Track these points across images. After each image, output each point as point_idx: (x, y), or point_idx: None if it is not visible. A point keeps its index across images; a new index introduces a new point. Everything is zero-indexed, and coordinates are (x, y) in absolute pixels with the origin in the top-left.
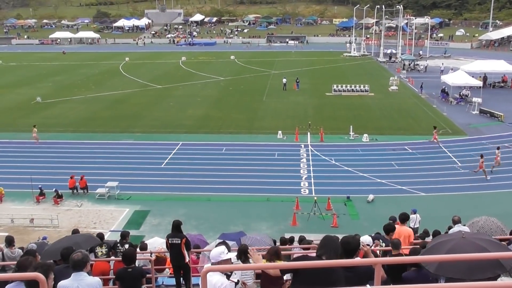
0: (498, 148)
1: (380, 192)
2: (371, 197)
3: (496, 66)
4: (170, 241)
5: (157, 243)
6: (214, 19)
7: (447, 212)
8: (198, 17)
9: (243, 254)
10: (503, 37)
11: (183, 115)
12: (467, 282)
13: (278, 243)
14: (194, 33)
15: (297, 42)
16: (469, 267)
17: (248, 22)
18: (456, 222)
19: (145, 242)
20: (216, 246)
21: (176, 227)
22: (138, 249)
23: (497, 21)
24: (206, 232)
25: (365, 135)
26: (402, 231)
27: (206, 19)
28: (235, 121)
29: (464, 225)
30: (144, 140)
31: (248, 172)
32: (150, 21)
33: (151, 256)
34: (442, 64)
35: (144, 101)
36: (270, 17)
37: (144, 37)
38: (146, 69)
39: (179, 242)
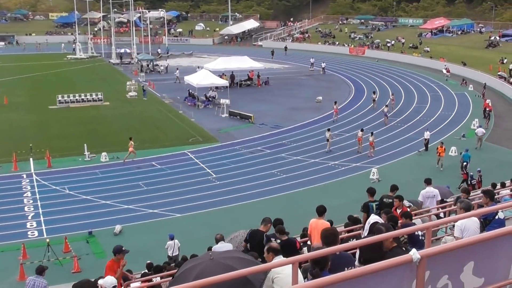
0: (362, 130)
1: (129, 220)
2: (118, 228)
3: (240, 62)
4: None
5: None
6: None
7: (208, 232)
8: None
9: None
10: (244, 31)
11: None
12: None
13: None
14: None
15: (5, 43)
16: None
17: None
18: (219, 240)
19: None
20: None
21: None
22: None
23: (236, 13)
24: None
25: (104, 153)
26: (319, 225)
27: None
28: None
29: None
30: None
31: None
32: None
33: None
34: (178, 69)
35: None
36: None
37: None
38: None
39: None
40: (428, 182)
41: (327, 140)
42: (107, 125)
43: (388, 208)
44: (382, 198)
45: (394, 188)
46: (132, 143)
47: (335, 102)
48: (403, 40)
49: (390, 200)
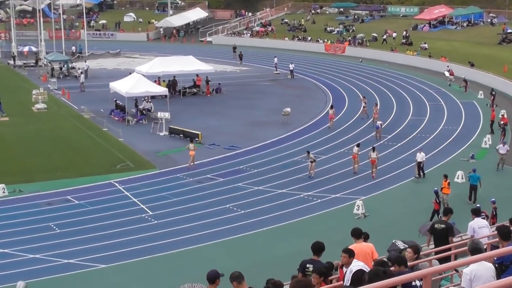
0: (358, 146)
1: (36, 274)
2: (21, 285)
3: (184, 64)
4: None
5: None
6: None
7: (140, 286)
8: None
9: None
10: (188, 23)
11: None
12: None
13: None
14: None
15: None
16: None
17: None
18: None
19: None
20: None
21: None
22: None
23: (177, 0)
24: None
25: (2, 186)
26: (363, 248)
27: None
28: None
29: None
30: None
31: None
32: None
33: None
34: (82, 74)
35: None
36: None
37: None
38: None
39: None
40: (476, 213)
41: (312, 162)
42: (6, 148)
43: (440, 236)
44: (433, 224)
45: (448, 211)
46: (194, 145)
47: (332, 107)
48: (394, 35)
49: (443, 226)
